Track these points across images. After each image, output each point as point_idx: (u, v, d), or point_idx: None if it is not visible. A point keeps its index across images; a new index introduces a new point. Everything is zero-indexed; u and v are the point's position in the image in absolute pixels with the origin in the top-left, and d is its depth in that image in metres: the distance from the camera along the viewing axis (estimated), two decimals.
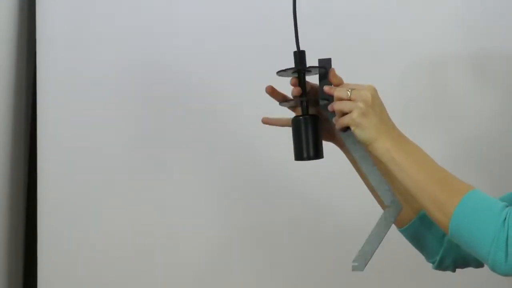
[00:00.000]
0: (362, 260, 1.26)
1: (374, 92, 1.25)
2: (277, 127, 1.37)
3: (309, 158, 1.28)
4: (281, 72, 1.30)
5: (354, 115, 1.23)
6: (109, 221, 1.95)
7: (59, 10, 1.94)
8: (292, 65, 1.30)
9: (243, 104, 1.88)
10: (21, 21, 1.97)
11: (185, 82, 1.91)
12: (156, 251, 1.95)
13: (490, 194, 1.21)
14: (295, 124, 1.29)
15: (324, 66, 1.28)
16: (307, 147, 1.28)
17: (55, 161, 1.96)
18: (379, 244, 1.28)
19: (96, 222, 1.96)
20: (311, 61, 1.31)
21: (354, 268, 1.25)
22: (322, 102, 1.29)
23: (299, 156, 1.28)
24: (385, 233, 1.29)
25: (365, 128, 1.23)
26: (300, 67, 1.29)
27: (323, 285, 1.88)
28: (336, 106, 1.25)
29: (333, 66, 1.30)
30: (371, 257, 1.27)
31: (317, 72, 1.30)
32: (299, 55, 1.29)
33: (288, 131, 1.32)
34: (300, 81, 1.30)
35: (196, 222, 1.93)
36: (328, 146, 1.35)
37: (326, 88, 1.27)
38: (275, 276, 1.90)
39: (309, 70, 1.29)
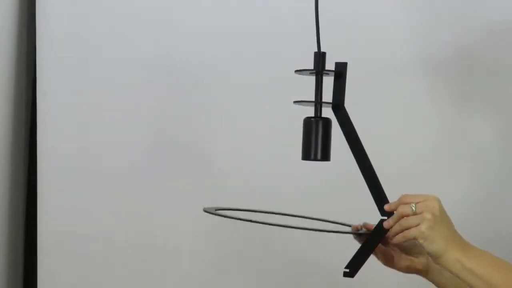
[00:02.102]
0: (354, 266, 1.28)
1: (440, 202, 1.23)
2: (283, 129, 1.37)
3: (316, 159, 1.30)
4: (298, 72, 1.32)
5: (423, 227, 1.20)
6: (109, 221, 1.95)
7: (59, 10, 1.94)
8: (297, 66, 1.32)
9: (247, 105, 1.89)
10: (21, 21, 1.97)
11: (186, 83, 1.91)
12: (156, 252, 1.95)
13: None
14: (306, 125, 1.31)
15: (341, 70, 1.30)
16: (315, 148, 1.30)
17: (55, 161, 1.96)
18: (372, 252, 1.31)
19: (96, 222, 1.96)
20: (309, 58, 1.32)
21: (345, 275, 1.28)
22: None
23: (306, 156, 1.31)
24: (379, 242, 1.31)
25: (434, 240, 1.20)
26: (318, 70, 1.31)
27: (323, 285, 1.88)
28: (403, 223, 1.23)
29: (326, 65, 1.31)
30: (363, 264, 1.29)
31: (333, 75, 1.32)
32: (320, 57, 1.31)
33: (292, 133, 1.34)
34: (317, 83, 1.31)
35: (197, 223, 1.92)
36: (335, 147, 1.35)
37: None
38: (277, 278, 1.90)
39: (327, 73, 1.31)
